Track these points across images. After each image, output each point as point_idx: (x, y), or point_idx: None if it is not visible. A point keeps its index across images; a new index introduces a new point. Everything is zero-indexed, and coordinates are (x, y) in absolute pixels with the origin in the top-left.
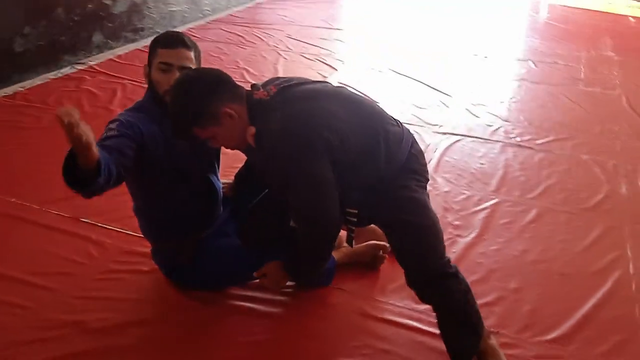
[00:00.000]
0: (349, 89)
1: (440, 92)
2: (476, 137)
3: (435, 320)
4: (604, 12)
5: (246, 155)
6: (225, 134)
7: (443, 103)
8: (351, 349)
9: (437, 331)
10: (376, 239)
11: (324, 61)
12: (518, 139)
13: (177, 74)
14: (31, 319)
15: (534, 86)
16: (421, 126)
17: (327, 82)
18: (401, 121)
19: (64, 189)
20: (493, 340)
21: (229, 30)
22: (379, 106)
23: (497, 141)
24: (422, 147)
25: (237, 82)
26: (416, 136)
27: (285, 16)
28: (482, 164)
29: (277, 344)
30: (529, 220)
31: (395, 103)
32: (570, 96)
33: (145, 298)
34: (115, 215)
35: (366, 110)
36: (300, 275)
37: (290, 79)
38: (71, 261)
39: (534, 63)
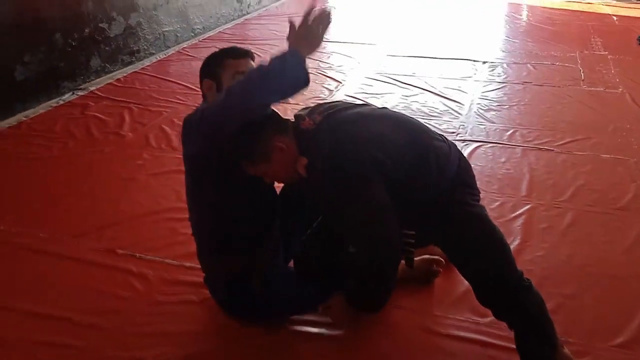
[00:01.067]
0: (391, 108)
1: (448, 98)
2: (495, 143)
3: (501, 333)
4: (586, 11)
5: (299, 187)
6: (277, 168)
7: (453, 110)
8: None
9: (505, 344)
10: (428, 253)
11: (327, 74)
12: (536, 142)
13: None
14: None
15: (538, 88)
16: None
17: (369, 104)
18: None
19: (93, 220)
20: (566, 350)
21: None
22: (422, 123)
23: (517, 145)
24: None
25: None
26: None
27: (276, 31)
28: (507, 169)
29: None
30: (567, 223)
31: (406, 113)
32: (575, 97)
33: (201, 330)
34: (151, 245)
35: (411, 128)
36: (366, 308)
37: (334, 105)
38: (116, 296)
39: (532, 66)
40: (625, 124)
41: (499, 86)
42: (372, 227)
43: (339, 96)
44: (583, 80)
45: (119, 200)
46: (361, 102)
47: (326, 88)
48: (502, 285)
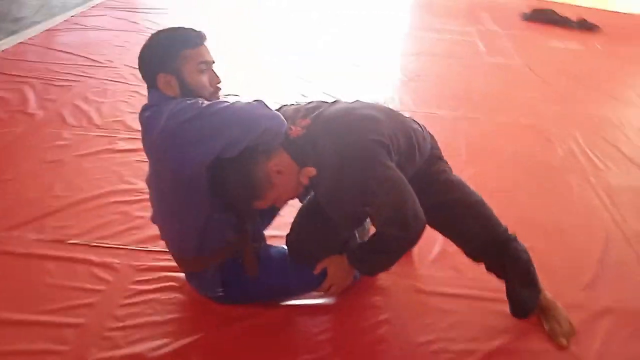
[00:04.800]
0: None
1: (364, 68)
2: (426, 112)
3: (483, 285)
4: None
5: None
6: (282, 190)
7: (380, 81)
8: (425, 326)
9: (489, 294)
10: None
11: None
12: (462, 110)
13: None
14: None
15: (448, 61)
16: None
17: (342, 100)
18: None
19: (28, 210)
20: (549, 295)
21: (120, 17)
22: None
23: (447, 114)
24: None
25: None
26: None
27: None
28: (445, 137)
29: (358, 336)
30: (511, 185)
31: (330, 85)
32: (482, 68)
33: (192, 316)
34: (106, 232)
35: (392, 113)
36: (374, 272)
37: (314, 106)
38: (85, 290)
39: (437, 39)
40: (531, 93)
41: (414, 59)
42: (399, 204)
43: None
44: (484, 53)
45: (52, 186)
46: (337, 100)
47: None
48: (493, 238)
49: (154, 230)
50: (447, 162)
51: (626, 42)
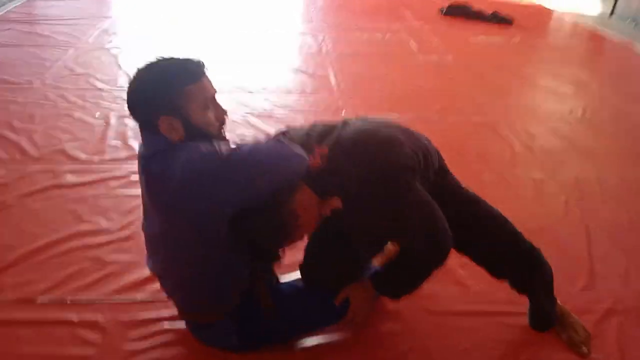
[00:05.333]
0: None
1: (312, 75)
2: (383, 114)
3: (491, 299)
4: None
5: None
6: (307, 225)
7: (325, 86)
8: (449, 350)
9: (499, 307)
10: None
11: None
12: (414, 110)
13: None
14: None
15: (385, 59)
16: (315, 110)
17: (351, 120)
18: (295, 110)
19: None
20: (559, 302)
21: (26, 30)
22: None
23: (400, 118)
24: None
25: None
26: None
27: (80, 7)
28: None
29: None
30: (485, 185)
31: (284, 93)
32: (420, 66)
33: None
34: (79, 284)
35: (407, 130)
36: (401, 295)
37: (324, 130)
38: (73, 357)
39: (368, 38)
40: (471, 88)
41: (351, 59)
42: (430, 225)
43: None
44: (417, 51)
45: (0, 235)
46: (339, 121)
47: None
48: (521, 250)
49: (135, 275)
50: (453, 174)
51: (540, 34)
